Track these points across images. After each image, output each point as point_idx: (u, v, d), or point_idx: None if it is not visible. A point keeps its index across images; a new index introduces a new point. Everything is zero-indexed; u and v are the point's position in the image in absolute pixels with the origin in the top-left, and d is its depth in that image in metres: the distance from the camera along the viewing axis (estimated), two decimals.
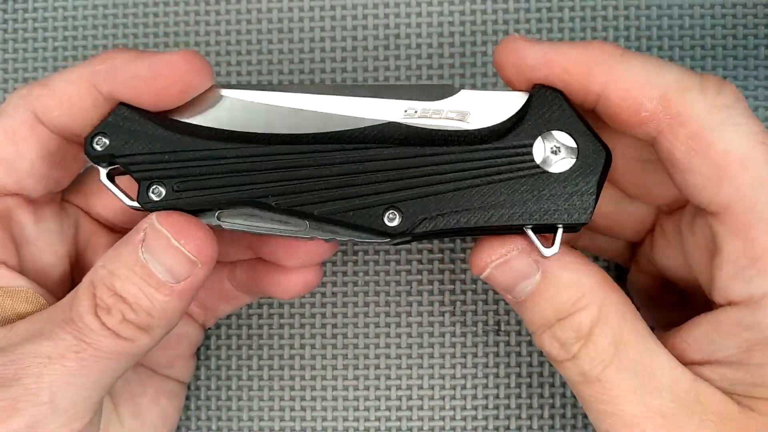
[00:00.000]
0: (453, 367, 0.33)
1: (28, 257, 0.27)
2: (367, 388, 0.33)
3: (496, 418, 0.32)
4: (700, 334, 0.24)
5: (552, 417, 0.32)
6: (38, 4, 0.35)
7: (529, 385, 0.32)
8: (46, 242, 0.28)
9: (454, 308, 0.33)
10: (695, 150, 0.22)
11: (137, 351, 0.24)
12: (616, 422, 0.23)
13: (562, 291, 0.24)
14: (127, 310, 0.24)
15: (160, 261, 0.24)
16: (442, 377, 0.33)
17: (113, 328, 0.24)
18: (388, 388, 0.33)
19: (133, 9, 0.34)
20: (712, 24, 0.33)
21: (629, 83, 0.23)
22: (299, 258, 0.28)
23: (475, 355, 0.33)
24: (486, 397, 0.32)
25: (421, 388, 0.33)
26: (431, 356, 0.33)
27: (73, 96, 0.25)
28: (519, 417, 0.32)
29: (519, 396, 0.32)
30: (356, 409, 0.33)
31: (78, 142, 0.26)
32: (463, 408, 0.32)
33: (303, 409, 0.33)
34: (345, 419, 0.33)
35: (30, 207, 0.27)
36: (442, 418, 0.32)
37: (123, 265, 0.24)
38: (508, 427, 0.32)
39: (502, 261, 0.24)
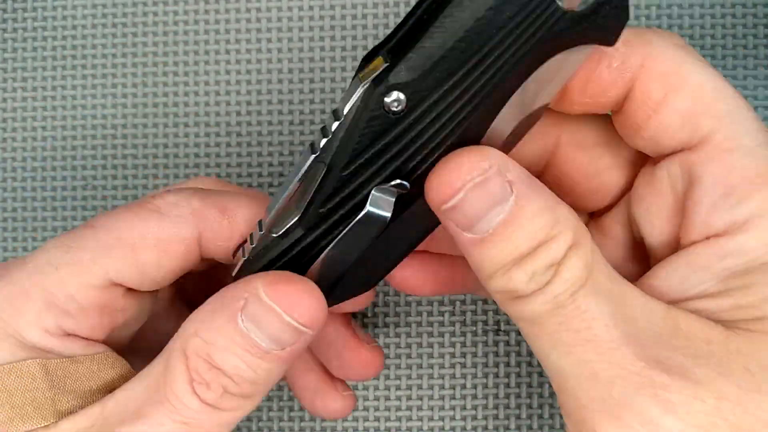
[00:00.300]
0: (453, 366, 0.32)
1: (119, 335, 0.26)
2: (366, 388, 0.33)
3: (496, 417, 0.32)
4: (671, 273, 0.22)
5: (552, 417, 0.32)
6: (37, 3, 0.35)
7: (529, 385, 0.32)
8: (137, 322, 0.26)
9: (454, 308, 0.33)
10: (672, 86, 0.21)
11: (240, 416, 0.23)
12: (589, 350, 0.20)
13: (537, 217, 0.20)
14: (228, 384, 0.22)
15: (266, 331, 0.22)
16: (442, 377, 0.32)
17: (214, 404, 0.22)
18: (388, 388, 0.33)
19: (132, 8, 0.34)
20: (712, 24, 0.33)
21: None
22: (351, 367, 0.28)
23: (474, 355, 0.32)
24: (486, 396, 0.32)
25: (420, 388, 0.33)
26: (431, 356, 0.33)
27: (241, 234, 0.24)
28: (519, 417, 0.32)
29: (519, 396, 0.32)
30: (356, 409, 0.33)
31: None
32: (463, 408, 0.32)
33: (302, 409, 0.33)
34: (345, 419, 0.33)
35: (136, 295, 0.25)
36: (442, 419, 0.32)
37: (220, 335, 0.22)
38: (508, 427, 0.32)
39: (481, 179, 0.20)
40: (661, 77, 0.21)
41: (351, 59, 0.34)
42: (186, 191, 0.25)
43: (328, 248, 0.23)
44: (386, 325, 0.33)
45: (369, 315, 0.33)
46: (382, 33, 0.34)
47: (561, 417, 0.32)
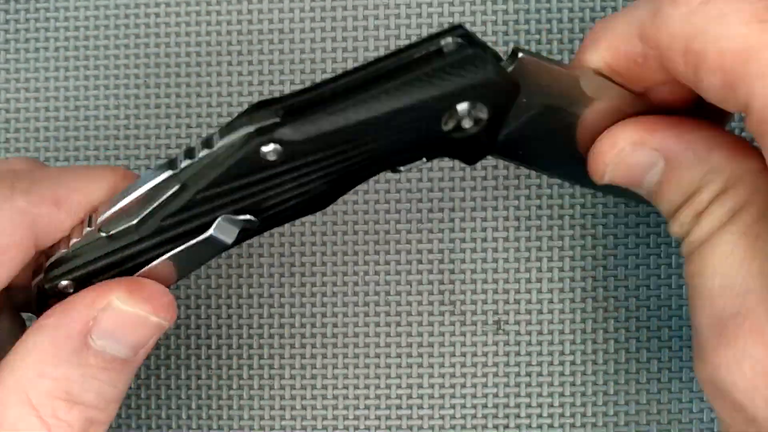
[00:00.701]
0: (453, 365, 0.33)
1: None
2: (367, 387, 0.33)
3: (495, 416, 0.32)
4: None
5: (551, 416, 0.32)
6: (40, 4, 0.35)
7: (529, 384, 0.32)
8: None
9: (454, 307, 0.33)
10: (697, 60, 0.19)
11: None
12: (717, 295, 0.20)
13: (685, 173, 0.21)
14: (93, 413, 0.20)
15: (124, 340, 0.20)
16: (442, 376, 0.33)
17: None
18: (388, 387, 0.33)
19: (135, 9, 0.34)
20: None
21: (609, 43, 0.22)
22: None
23: (474, 354, 0.33)
24: (485, 396, 0.33)
25: (421, 387, 0.33)
26: (431, 355, 0.33)
27: (83, 216, 0.22)
28: (518, 416, 0.32)
29: (518, 395, 0.32)
30: (356, 408, 0.33)
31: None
32: (463, 407, 0.33)
33: (303, 408, 0.33)
34: (345, 418, 0.33)
35: None
36: (442, 417, 0.33)
37: (73, 365, 0.20)
38: (507, 426, 0.32)
39: (624, 154, 0.22)
40: (683, 54, 0.20)
41: (352, 60, 0.34)
42: (2, 187, 0.21)
43: (163, 258, 0.23)
44: (387, 324, 0.33)
45: (370, 314, 0.33)
46: (383, 34, 0.34)
47: (560, 416, 0.32)
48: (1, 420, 0.19)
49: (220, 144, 0.21)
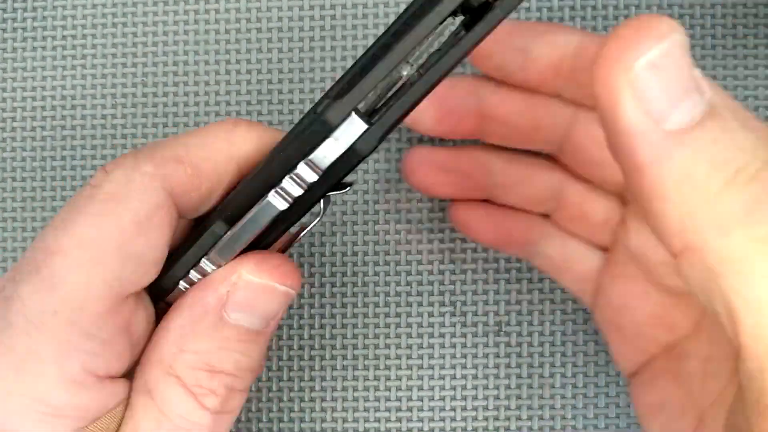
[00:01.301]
0: (453, 367, 0.32)
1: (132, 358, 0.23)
2: (366, 389, 0.33)
3: (496, 418, 0.32)
4: None
5: (552, 418, 0.32)
6: (37, 3, 0.35)
7: (530, 386, 0.32)
8: (144, 338, 0.23)
9: (455, 308, 0.33)
10: None
11: (240, 407, 0.23)
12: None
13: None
14: (233, 381, 0.21)
15: (256, 312, 0.21)
16: (442, 378, 0.32)
17: (222, 408, 0.21)
18: (388, 389, 0.33)
19: (132, 8, 0.34)
20: (712, 24, 0.33)
21: None
22: None
23: (475, 356, 0.32)
24: (486, 398, 0.32)
25: (421, 389, 0.33)
26: (431, 357, 0.33)
27: (216, 176, 0.22)
28: (519, 418, 0.32)
29: (519, 397, 0.32)
30: (356, 410, 0.33)
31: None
32: (464, 408, 0.32)
33: (302, 410, 0.33)
34: (345, 420, 0.33)
35: (140, 300, 0.22)
36: (443, 419, 0.32)
37: (211, 339, 0.21)
38: (508, 428, 0.32)
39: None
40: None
41: (351, 59, 0.34)
42: (126, 160, 0.21)
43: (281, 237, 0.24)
44: (387, 326, 0.33)
45: (370, 315, 0.33)
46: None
47: (561, 418, 0.32)
48: (153, 394, 0.21)
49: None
